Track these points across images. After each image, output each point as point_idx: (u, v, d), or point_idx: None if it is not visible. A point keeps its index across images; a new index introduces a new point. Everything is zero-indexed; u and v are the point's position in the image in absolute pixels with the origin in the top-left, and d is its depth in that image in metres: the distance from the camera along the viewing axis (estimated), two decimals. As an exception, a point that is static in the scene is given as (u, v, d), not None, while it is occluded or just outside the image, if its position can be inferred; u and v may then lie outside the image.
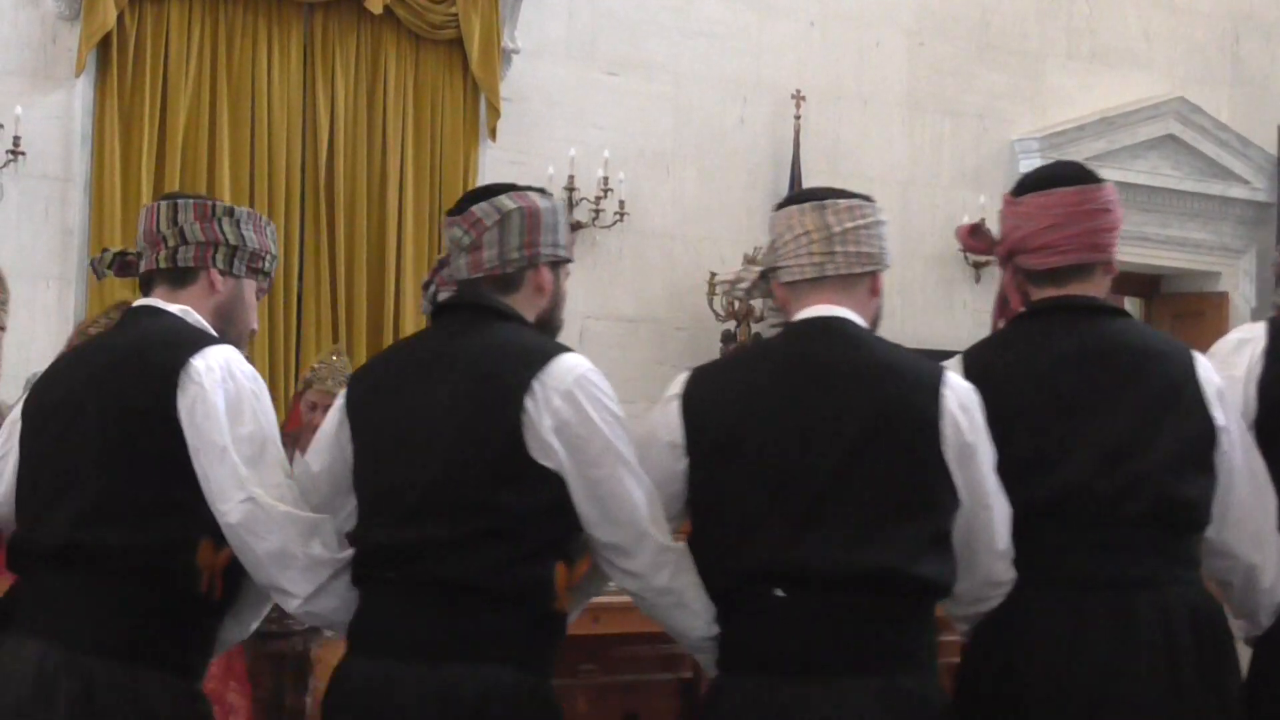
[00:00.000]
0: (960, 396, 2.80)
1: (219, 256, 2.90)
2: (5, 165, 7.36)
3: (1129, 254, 10.58)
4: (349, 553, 2.81)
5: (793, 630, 2.66)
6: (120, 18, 7.53)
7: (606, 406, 2.72)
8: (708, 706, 2.79)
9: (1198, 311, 10.99)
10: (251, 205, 7.83)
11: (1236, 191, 10.88)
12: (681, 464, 2.80)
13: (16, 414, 2.95)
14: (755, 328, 8.97)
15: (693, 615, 2.77)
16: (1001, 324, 3.20)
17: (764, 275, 2.95)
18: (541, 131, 8.71)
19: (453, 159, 8.44)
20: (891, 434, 2.72)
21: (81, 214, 7.58)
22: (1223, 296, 10.91)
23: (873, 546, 2.66)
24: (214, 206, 2.94)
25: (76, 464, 2.75)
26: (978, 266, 9.72)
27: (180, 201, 2.92)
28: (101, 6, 7.40)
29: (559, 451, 2.66)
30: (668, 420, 2.82)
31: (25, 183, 7.44)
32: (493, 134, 8.53)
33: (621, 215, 8.67)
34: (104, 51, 7.59)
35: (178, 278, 2.92)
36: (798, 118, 9.31)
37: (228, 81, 7.87)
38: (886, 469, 2.70)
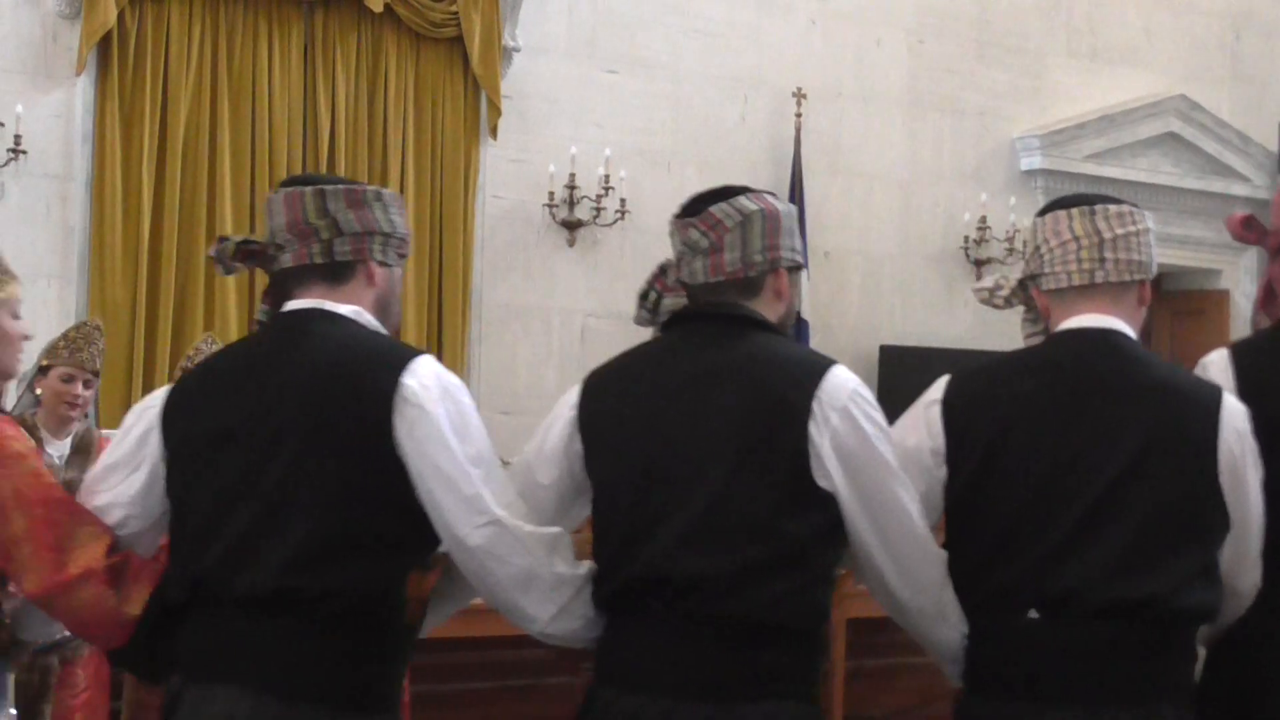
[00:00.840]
0: (1236, 419, 2.67)
1: (375, 247, 2.65)
2: (6, 164, 7.36)
3: (1130, 252, 10.61)
4: (587, 566, 2.63)
5: (1046, 655, 2.55)
6: (121, 16, 7.54)
7: (877, 421, 2.57)
8: None
9: (1199, 309, 10.99)
10: (252, 203, 7.85)
11: (1237, 189, 10.88)
12: (941, 471, 2.69)
13: (144, 427, 2.68)
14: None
15: (950, 629, 2.67)
16: (1263, 319, 3.02)
17: (1023, 282, 2.84)
18: (542, 129, 8.71)
19: (453, 157, 8.44)
20: (1167, 456, 2.60)
21: (82, 212, 7.59)
22: (1224, 294, 10.92)
23: (1141, 574, 2.54)
24: (364, 192, 2.67)
25: (281, 501, 2.48)
26: (979, 264, 9.73)
27: (328, 188, 2.64)
28: (102, 5, 7.41)
29: (837, 471, 2.51)
30: (929, 426, 2.71)
31: (26, 181, 7.44)
32: (493, 132, 8.53)
33: (622, 213, 8.67)
34: (104, 50, 7.59)
35: (335, 273, 2.63)
36: (798, 116, 9.31)
37: (228, 80, 7.88)
38: (1160, 492, 2.58)
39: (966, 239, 9.77)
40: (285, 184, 2.70)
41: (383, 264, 2.67)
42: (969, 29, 10.12)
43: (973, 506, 2.65)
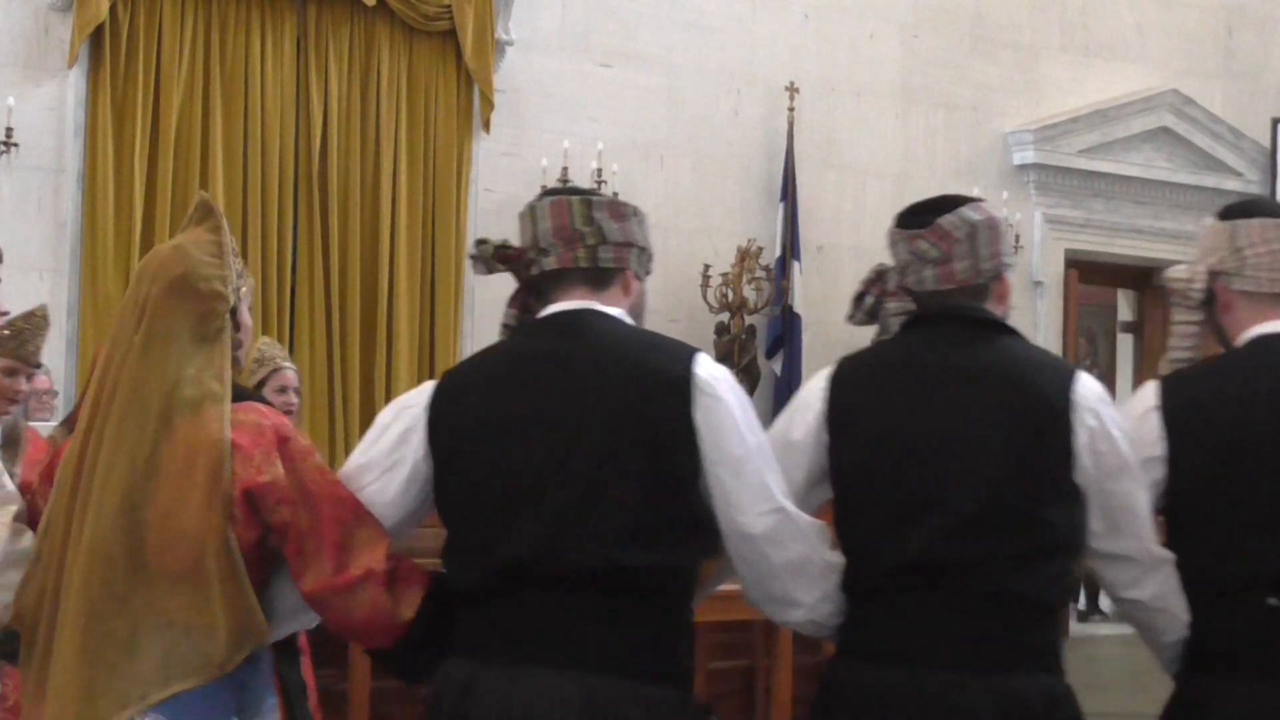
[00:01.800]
0: None
1: (634, 258, 2.76)
2: (-2, 156, 7.36)
3: (1122, 247, 10.63)
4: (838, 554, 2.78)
5: None
6: (113, 9, 7.53)
7: (1120, 423, 2.77)
8: (1192, 706, 2.86)
9: (1191, 304, 10.99)
10: (244, 196, 7.84)
11: (1230, 184, 10.89)
12: (1160, 473, 2.85)
13: (404, 426, 2.71)
14: (749, 319, 8.98)
15: (1173, 620, 2.84)
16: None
17: (1213, 274, 3.02)
18: (535, 123, 8.71)
19: (446, 151, 8.43)
20: None
21: (74, 205, 7.58)
22: (1216, 289, 10.93)
23: None
24: (626, 206, 2.79)
25: (595, 485, 2.55)
26: (971, 259, 9.72)
27: (594, 198, 2.75)
28: (94, -3, 7.41)
29: (1087, 466, 2.71)
30: (1148, 433, 2.86)
31: (18, 174, 7.43)
32: (486, 126, 8.53)
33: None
34: (96, 43, 7.58)
35: (598, 278, 2.72)
36: (791, 110, 9.31)
37: (220, 73, 7.87)
38: None
39: (959, 233, 9.76)
40: (547, 194, 2.80)
41: (636, 276, 2.79)
42: (962, 23, 10.12)
43: (1204, 505, 2.83)
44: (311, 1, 8.10)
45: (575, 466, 2.56)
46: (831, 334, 9.36)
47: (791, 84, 9.34)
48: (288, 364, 5.32)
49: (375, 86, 8.25)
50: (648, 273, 2.83)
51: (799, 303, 9.11)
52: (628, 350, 2.65)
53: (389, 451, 2.72)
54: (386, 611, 2.62)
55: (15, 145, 7.34)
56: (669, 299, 8.80)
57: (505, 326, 2.83)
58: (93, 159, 7.58)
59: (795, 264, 9.16)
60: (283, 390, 5.21)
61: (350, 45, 8.21)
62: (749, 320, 9.01)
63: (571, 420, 2.58)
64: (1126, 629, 3.05)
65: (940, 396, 2.74)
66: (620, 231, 2.74)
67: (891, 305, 2.93)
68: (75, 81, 7.60)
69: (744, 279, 8.97)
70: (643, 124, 9.01)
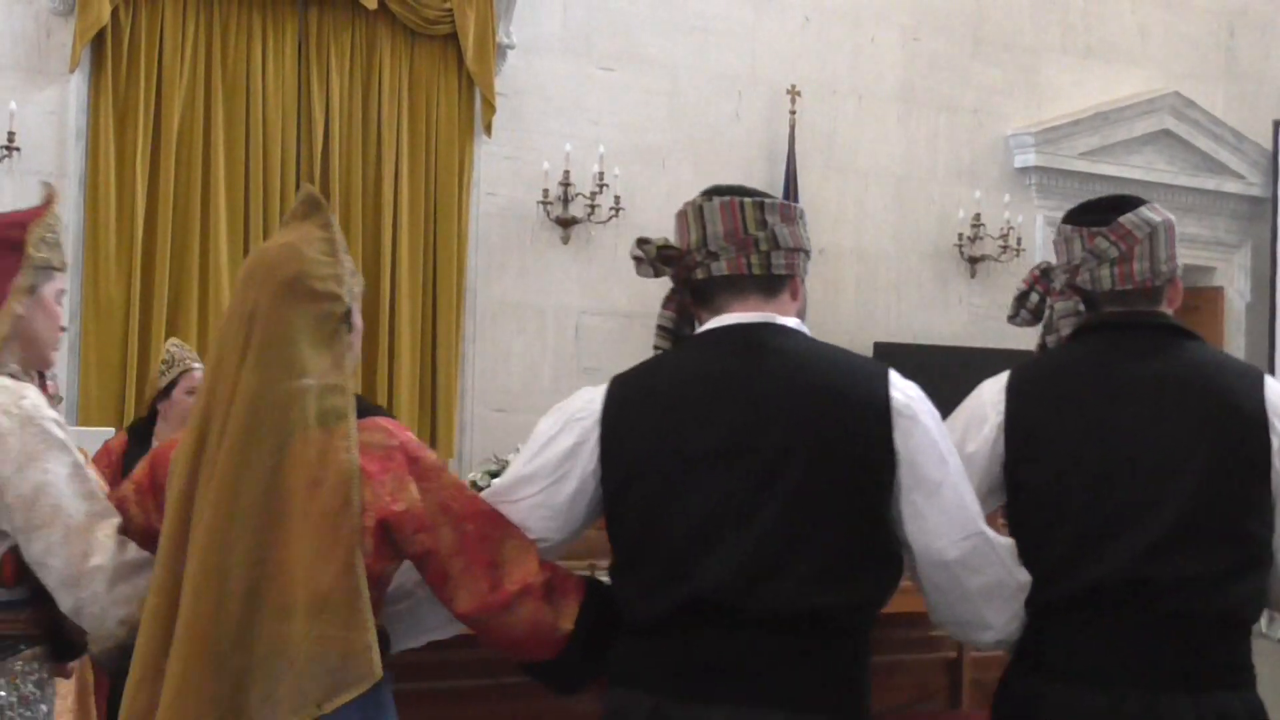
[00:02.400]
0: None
1: (802, 263, 2.65)
2: (0, 161, 7.35)
3: (1124, 249, 10.63)
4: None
5: None
6: (114, 13, 7.53)
7: None
8: None
9: (1193, 306, 10.99)
10: (246, 201, 7.84)
11: (1231, 186, 10.90)
12: None
13: (574, 439, 2.59)
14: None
15: None
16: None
17: None
18: (536, 126, 8.71)
19: (447, 154, 8.43)
20: None
21: (76, 210, 7.57)
22: (1218, 291, 10.93)
23: None
24: (795, 208, 2.67)
25: (797, 517, 2.44)
26: (973, 261, 9.73)
27: (765, 200, 2.62)
28: (96, 2, 7.40)
29: None
30: None
31: (19, 178, 7.42)
32: (487, 129, 8.53)
33: (617, 210, 8.67)
34: (98, 47, 7.58)
35: (770, 285, 2.60)
36: (793, 113, 9.31)
37: (222, 77, 7.87)
38: None
39: (961, 236, 9.77)
40: (710, 193, 2.67)
41: (801, 280, 2.68)
42: (964, 26, 10.12)
43: None
44: (313, 5, 8.10)
45: (768, 503, 2.44)
46: (833, 336, 9.29)
47: (793, 87, 9.34)
48: (198, 365, 5.15)
49: (377, 90, 8.25)
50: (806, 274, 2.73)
51: (801, 306, 9.11)
52: (818, 372, 2.53)
53: (557, 464, 2.59)
54: (548, 624, 2.55)
55: (17, 150, 7.34)
56: (671, 302, 8.79)
57: (662, 329, 2.71)
58: (94, 163, 7.58)
59: (1197, 277, 9.15)
60: (193, 392, 4.98)
61: (351, 49, 8.21)
62: (751, 323, 9.00)
63: (766, 452, 2.46)
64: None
65: (1134, 407, 2.66)
66: (792, 236, 2.61)
67: (1059, 306, 2.84)
68: (77, 86, 7.60)
69: (746, 282, 8.96)
70: (644, 127, 9.02)
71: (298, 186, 8.00)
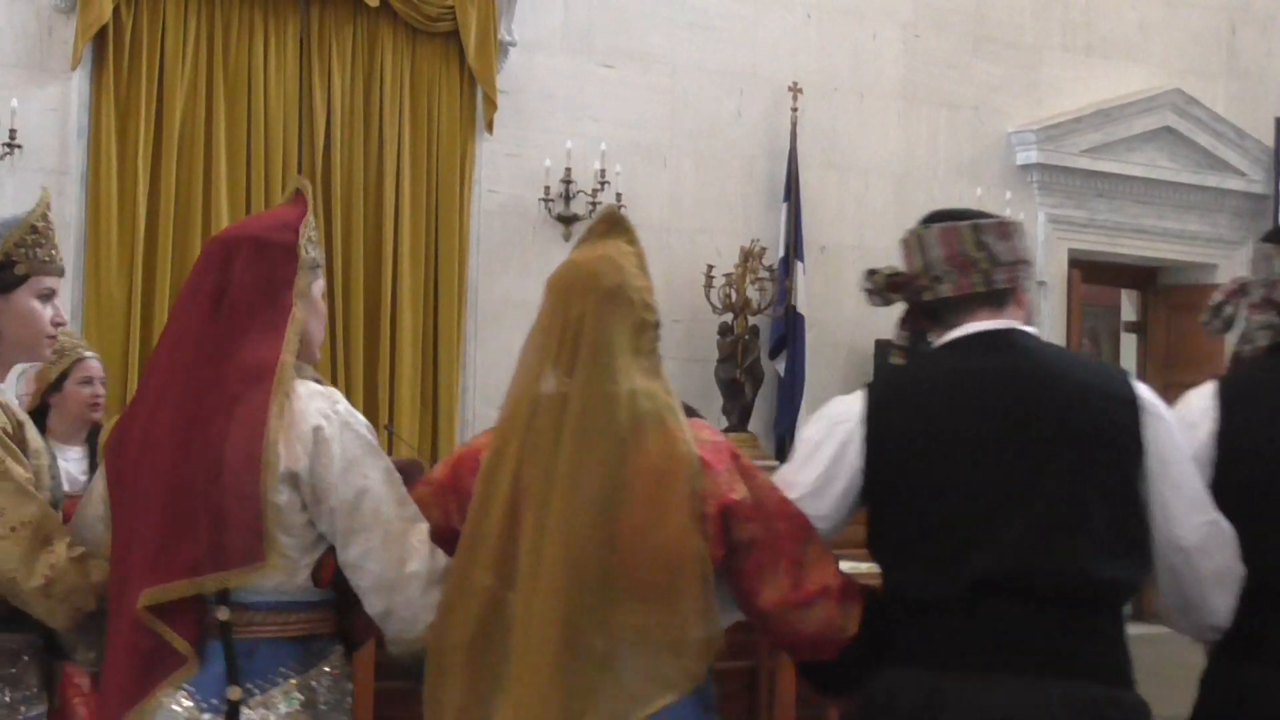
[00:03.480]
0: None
1: (1023, 274, 2.84)
2: (1, 158, 7.36)
3: (1125, 246, 10.62)
4: None
5: None
6: (116, 10, 7.53)
7: None
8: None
9: (1194, 304, 10.95)
10: (248, 198, 7.84)
11: (1233, 183, 10.88)
12: None
13: (839, 442, 2.78)
14: (752, 320, 8.98)
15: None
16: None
17: None
18: (538, 124, 8.71)
19: (449, 152, 8.43)
20: None
21: (78, 208, 7.58)
22: (1219, 289, 10.91)
23: None
24: (1012, 225, 2.87)
25: (1070, 499, 2.63)
26: (974, 259, 9.71)
27: (982, 222, 2.81)
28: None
29: None
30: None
31: (21, 176, 7.43)
32: (489, 127, 8.53)
33: (618, 208, 8.65)
34: (100, 44, 7.58)
35: (996, 299, 2.80)
36: (794, 110, 9.31)
37: (224, 75, 7.87)
38: None
39: (962, 233, 9.74)
40: (929, 220, 2.86)
41: (1025, 289, 2.87)
42: (965, 23, 10.12)
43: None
44: (314, 3, 8.10)
45: (1050, 482, 2.62)
46: (834, 334, 9.37)
47: (794, 84, 9.34)
48: (90, 353, 5.08)
49: (378, 87, 8.26)
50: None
51: (802, 303, 9.11)
52: (1070, 368, 2.75)
53: (826, 468, 2.77)
54: (837, 626, 2.69)
55: (19, 147, 7.35)
56: (672, 299, 8.80)
57: (899, 347, 2.91)
58: (96, 161, 7.58)
59: (799, 264, 9.15)
60: (88, 381, 4.96)
61: (353, 46, 8.22)
62: (752, 321, 9.00)
63: (1037, 437, 2.64)
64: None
65: None
66: (1009, 251, 2.80)
67: (1257, 319, 3.02)
68: (79, 83, 7.61)
69: (747, 279, 8.96)
70: (646, 124, 9.01)
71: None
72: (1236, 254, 10.93)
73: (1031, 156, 10.15)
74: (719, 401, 8.89)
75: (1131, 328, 11.91)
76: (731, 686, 5.25)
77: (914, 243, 2.84)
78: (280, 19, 8.02)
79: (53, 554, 2.74)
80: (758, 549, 2.65)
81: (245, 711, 2.65)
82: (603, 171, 8.60)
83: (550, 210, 8.70)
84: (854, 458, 2.74)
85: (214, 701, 2.65)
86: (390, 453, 5.29)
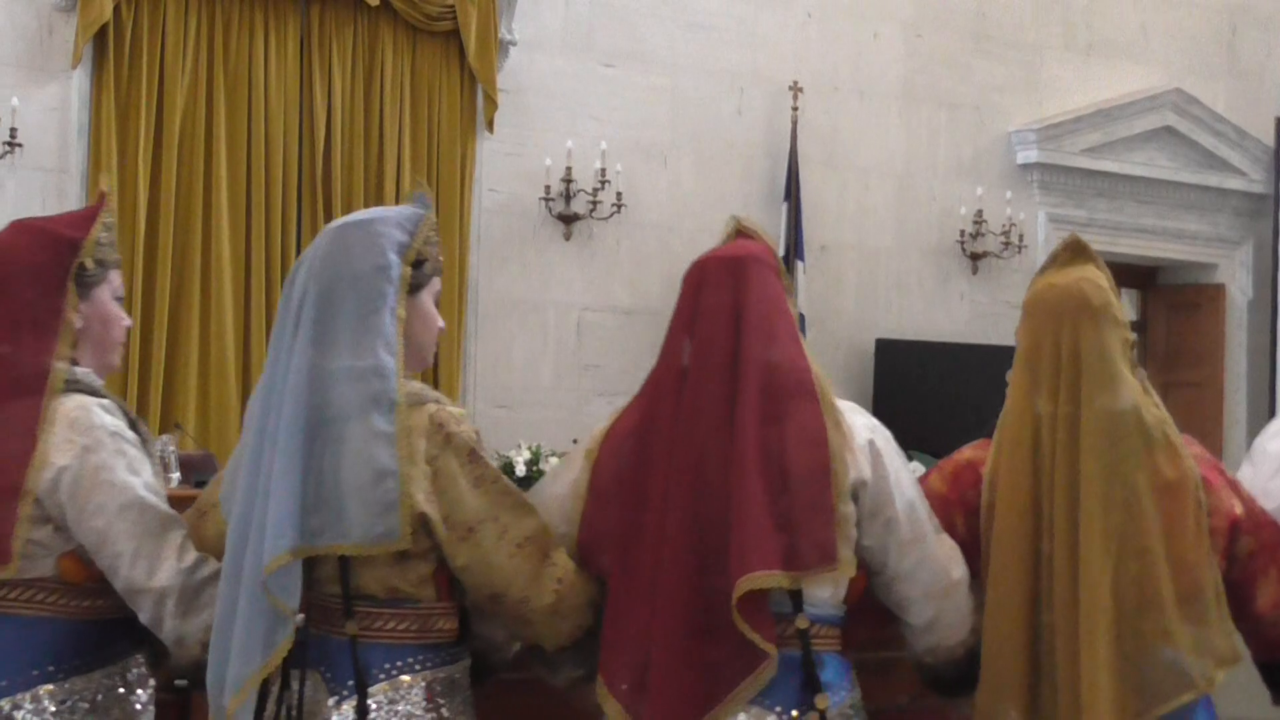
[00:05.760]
0: None
1: None
2: (2, 157, 7.35)
3: (1125, 246, 10.61)
4: None
5: None
6: (116, 9, 7.53)
7: None
8: None
9: (1194, 303, 11.00)
10: (248, 197, 7.84)
11: (1233, 183, 10.88)
12: None
13: None
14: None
15: None
16: None
17: None
18: (538, 123, 8.71)
19: (449, 151, 8.44)
20: None
21: (78, 206, 7.55)
22: (1219, 288, 10.92)
23: None
24: None
25: None
26: (975, 258, 9.72)
27: None
28: (98, -2, 7.41)
29: None
30: None
31: (21, 174, 7.43)
32: (490, 126, 8.53)
33: (618, 207, 8.67)
34: (100, 43, 7.58)
35: None
36: (795, 109, 9.31)
37: (224, 74, 7.87)
38: None
39: (962, 233, 9.76)
40: None
41: None
42: (965, 22, 10.12)
43: None
44: (315, 2, 8.10)
45: None
46: (835, 333, 9.36)
47: (795, 83, 9.34)
48: None
49: (379, 86, 8.26)
50: None
51: (803, 302, 9.10)
52: None
53: None
54: None
55: (19, 146, 7.35)
56: (671, 298, 8.76)
57: None
58: (96, 160, 7.58)
59: (799, 263, 9.15)
60: None
61: (354, 45, 8.22)
62: (752, 320, 8.99)
63: None
64: None
65: None
66: None
67: None
68: (79, 82, 7.61)
69: (747, 279, 8.95)
70: (646, 124, 9.01)
71: (300, 183, 8.02)
72: (1236, 254, 10.94)
73: (1032, 156, 10.15)
74: (719, 401, 8.88)
75: (1132, 327, 11.91)
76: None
77: None
78: (280, 18, 8.02)
79: (556, 567, 2.61)
80: (1253, 558, 2.80)
81: None
82: (603, 171, 8.60)
83: (550, 209, 8.70)
84: None
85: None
86: (177, 450, 5.30)
